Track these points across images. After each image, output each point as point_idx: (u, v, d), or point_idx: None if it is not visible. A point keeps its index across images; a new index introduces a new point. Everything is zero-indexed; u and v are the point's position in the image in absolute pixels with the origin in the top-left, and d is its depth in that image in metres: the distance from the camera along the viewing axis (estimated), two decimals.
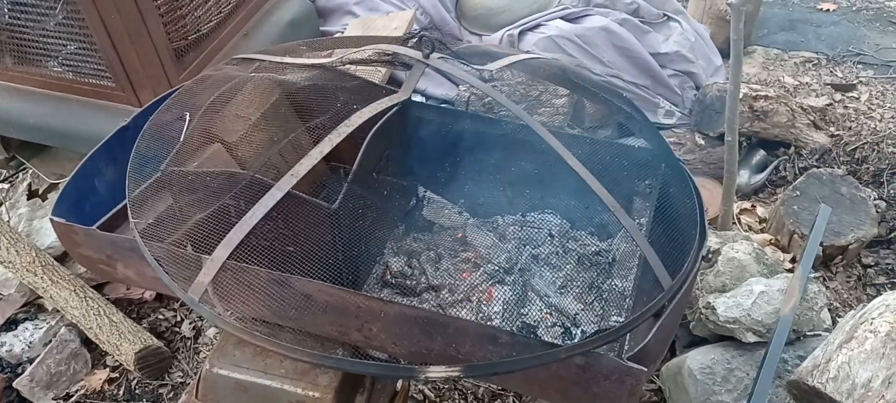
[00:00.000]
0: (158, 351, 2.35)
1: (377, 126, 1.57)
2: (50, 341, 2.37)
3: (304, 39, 2.06)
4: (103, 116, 2.44)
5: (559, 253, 1.85)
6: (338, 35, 3.36)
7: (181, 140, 1.62)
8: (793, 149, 3.05)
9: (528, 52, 2.97)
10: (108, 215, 1.71)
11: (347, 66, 1.86)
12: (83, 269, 2.51)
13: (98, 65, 2.41)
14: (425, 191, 2.02)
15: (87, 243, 1.59)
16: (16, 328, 2.45)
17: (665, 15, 3.48)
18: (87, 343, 2.42)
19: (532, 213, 1.97)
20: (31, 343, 2.39)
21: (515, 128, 1.89)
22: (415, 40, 1.75)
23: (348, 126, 1.50)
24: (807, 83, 3.69)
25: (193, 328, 2.52)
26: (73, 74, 2.51)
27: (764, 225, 2.77)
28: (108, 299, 2.45)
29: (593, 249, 1.86)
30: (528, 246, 1.86)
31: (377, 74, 2.82)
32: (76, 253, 1.64)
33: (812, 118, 3.12)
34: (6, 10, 2.45)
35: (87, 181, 1.74)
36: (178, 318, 2.56)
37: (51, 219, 1.60)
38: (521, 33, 3.25)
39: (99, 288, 2.51)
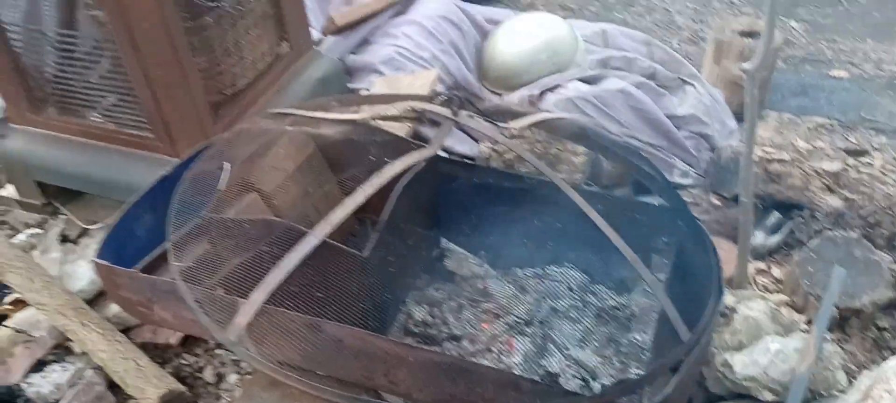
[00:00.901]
0: (182, 396, 2.38)
1: (406, 178, 1.66)
2: (76, 383, 2.41)
3: (333, 95, 2.16)
4: (142, 166, 2.52)
5: (579, 307, 1.89)
6: (363, 91, 3.48)
7: (221, 188, 1.71)
8: (807, 211, 3.09)
9: (548, 111, 3.06)
10: (146, 259, 1.78)
11: (378, 122, 1.96)
12: (112, 313, 2.57)
13: (138, 116, 2.50)
14: (448, 243, 2.09)
15: (129, 285, 1.66)
16: (43, 369, 2.50)
17: (680, 78, 3.58)
18: (112, 386, 2.46)
19: (552, 266, 2.03)
20: (58, 384, 2.44)
21: (536, 183, 1.97)
22: (443, 98, 1.85)
23: (381, 177, 1.58)
24: (820, 147, 3.75)
25: (216, 373, 2.56)
26: (114, 125, 2.61)
27: (779, 285, 2.80)
28: (134, 343, 2.49)
29: (612, 303, 1.91)
30: (548, 299, 1.91)
31: (402, 130, 2.92)
32: (116, 294, 1.71)
33: (826, 182, 3.16)
34: (53, 64, 2.59)
35: (129, 226, 1.82)
36: (201, 364, 2.60)
37: (94, 262, 1.68)
38: (541, 94, 3.35)
39: (125, 332, 2.56)
